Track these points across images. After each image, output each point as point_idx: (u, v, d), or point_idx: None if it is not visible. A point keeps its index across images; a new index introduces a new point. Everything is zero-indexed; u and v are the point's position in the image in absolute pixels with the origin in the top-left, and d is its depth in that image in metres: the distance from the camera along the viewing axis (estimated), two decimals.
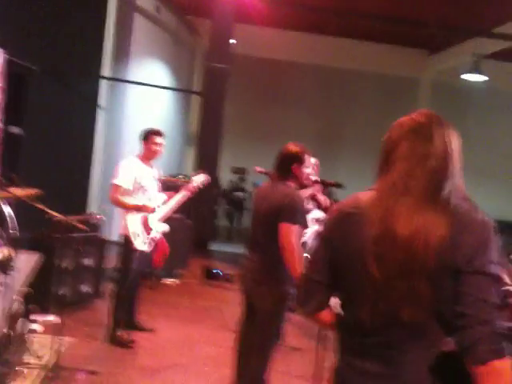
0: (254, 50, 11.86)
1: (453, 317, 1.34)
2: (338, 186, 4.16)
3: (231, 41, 9.52)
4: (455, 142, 1.52)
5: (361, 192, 1.58)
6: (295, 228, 3.15)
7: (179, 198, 4.82)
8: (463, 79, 10.56)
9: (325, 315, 1.63)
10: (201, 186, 4.93)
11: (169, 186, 5.09)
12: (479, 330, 1.30)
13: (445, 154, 1.47)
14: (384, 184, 1.50)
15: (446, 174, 1.45)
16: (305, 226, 3.31)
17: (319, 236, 1.67)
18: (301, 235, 3.25)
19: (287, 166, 3.29)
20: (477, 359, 1.30)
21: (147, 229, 4.63)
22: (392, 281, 1.42)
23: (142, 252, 4.61)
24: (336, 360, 1.60)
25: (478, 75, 10.12)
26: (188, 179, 4.90)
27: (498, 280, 1.36)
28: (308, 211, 4.14)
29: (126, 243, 4.52)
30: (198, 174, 5.02)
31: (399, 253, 1.40)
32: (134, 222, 4.55)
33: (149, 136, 4.65)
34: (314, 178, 3.80)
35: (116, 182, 4.51)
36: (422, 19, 9.82)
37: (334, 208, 1.65)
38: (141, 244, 4.57)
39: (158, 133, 4.69)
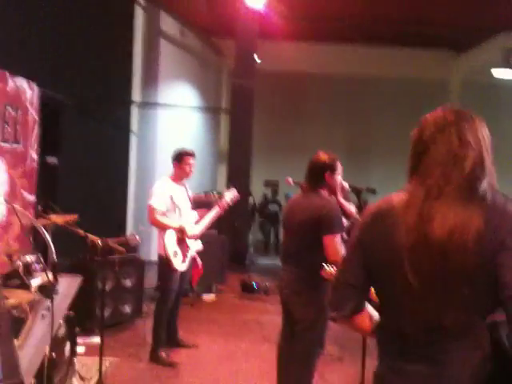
0: (278, 65, 11.96)
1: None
2: (371, 191, 4.15)
3: (255, 57, 9.65)
4: (487, 137, 1.50)
5: (394, 194, 1.57)
6: (338, 237, 3.17)
7: (212, 214, 4.88)
8: (494, 76, 10.37)
9: (361, 319, 1.60)
10: (231, 203, 4.98)
11: (200, 204, 5.17)
12: None
13: (480, 153, 1.46)
14: (418, 188, 1.48)
15: (482, 173, 1.44)
16: (343, 231, 3.31)
17: (353, 238, 1.64)
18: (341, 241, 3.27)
19: (320, 174, 3.31)
20: None
21: (185, 247, 4.70)
22: (430, 287, 1.41)
23: (182, 271, 4.68)
24: (377, 364, 1.59)
25: (508, 70, 9.92)
26: (220, 195, 4.96)
27: None
28: None
29: (165, 263, 4.58)
30: (229, 190, 5.08)
31: (435, 258, 1.39)
32: (172, 242, 4.62)
33: (181, 157, 4.72)
34: (345, 184, 3.81)
35: (151, 203, 4.59)
36: (447, 20, 9.73)
37: (367, 210, 1.63)
38: (179, 263, 4.64)
39: (190, 153, 4.77)
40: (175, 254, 4.60)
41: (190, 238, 4.77)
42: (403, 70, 12.34)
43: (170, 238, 4.61)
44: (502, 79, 10.38)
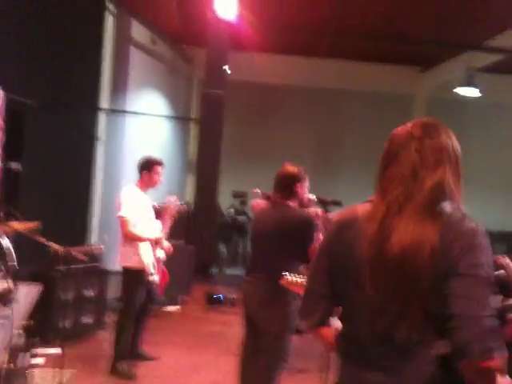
0: (249, 76, 12.00)
1: (444, 320, 1.33)
2: (337, 203, 4.18)
3: (225, 67, 9.67)
4: (454, 150, 1.50)
5: (359, 204, 1.58)
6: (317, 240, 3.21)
7: (168, 224, 4.81)
8: (457, 94, 10.63)
9: (326, 331, 1.62)
10: (176, 210, 4.92)
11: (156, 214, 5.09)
12: (471, 329, 1.29)
13: (441, 171, 1.45)
14: (380, 202, 1.49)
15: (441, 192, 1.44)
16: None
17: (319, 247, 1.67)
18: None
19: (290, 186, 3.33)
20: (470, 358, 1.28)
21: (156, 259, 4.64)
22: (385, 302, 1.42)
23: (150, 283, 4.61)
24: (338, 373, 1.59)
25: (471, 89, 10.19)
26: (165, 205, 4.86)
27: (487, 282, 1.34)
28: None
29: (134, 276, 4.49)
30: (171, 197, 4.97)
31: (391, 274, 1.40)
32: (149, 254, 4.54)
33: (151, 165, 4.64)
34: (312, 196, 3.84)
35: (123, 214, 4.46)
36: (413, 36, 9.96)
37: (333, 219, 1.65)
38: (153, 274, 4.58)
39: (159, 162, 4.70)
40: (153, 266, 4.54)
41: (166, 251, 4.72)
42: (371, 84, 12.55)
43: (147, 249, 4.53)
44: (465, 96, 10.66)
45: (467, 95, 10.54)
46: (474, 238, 1.38)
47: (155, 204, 4.91)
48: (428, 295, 1.36)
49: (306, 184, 3.44)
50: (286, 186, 3.34)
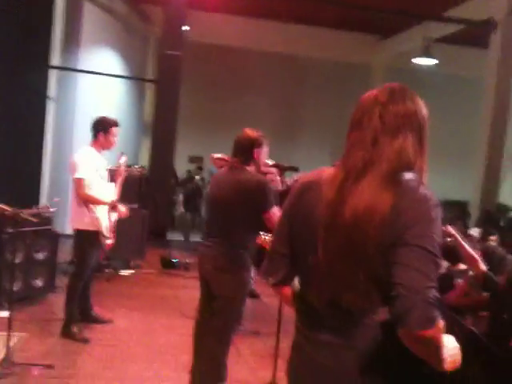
0: (208, 37, 11.75)
1: (388, 288, 1.33)
2: (294, 169, 4.19)
3: (184, 27, 9.41)
4: (420, 119, 1.47)
5: (327, 167, 1.57)
6: (276, 209, 3.17)
7: (119, 186, 4.74)
8: (414, 63, 10.74)
9: (288, 290, 1.64)
10: (126, 169, 4.85)
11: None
12: (411, 298, 1.29)
13: (403, 138, 1.43)
14: (342, 165, 1.48)
15: (401, 159, 1.42)
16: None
17: (283, 209, 1.67)
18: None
19: (249, 150, 3.29)
20: (408, 327, 1.29)
21: (110, 222, 4.56)
22: (334, 267, 1.42)
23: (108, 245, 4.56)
24: (294, 334, 1.62)
25: (428, 59, 10.30)
26: (118, 166, 4.77)
27: (433, 254, 1.33)
28: None
29: (88, 239, 4.40)
30: (121, 156, 4.87)
31: (341, 239, 1.40)
32: (105, 217, 4.46)
33: (107, 127, 4.50)
34: (271, 162, 3.81)
35: (79, 176, 4.33)
36: (373, 4, 9.92)
37: (299, 181, 1.64)
38: (107, 238, 4.50)
39: (116, 123, 4.56)
40: (107, 229, 4.46)
41: (120, 214, 4.64)
42: (330, 50, 12.51)
43: (103, 212, 4.44)
44: (422, 66, 10.78)
45: (424, 65, 10.66)
46: (425, 209, 1.37)
47: (109, 166, 4.79)
48: (375, 262, 1.37)
49: (265, 149, 3.41)
50: (244, 150, 3.30)
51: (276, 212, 3.17)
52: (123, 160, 4.79)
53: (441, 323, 1.30)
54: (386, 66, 12.94)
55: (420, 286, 1.30)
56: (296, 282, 1.65)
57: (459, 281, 4.59)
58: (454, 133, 12.49)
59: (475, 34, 9.75)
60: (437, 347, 1.32)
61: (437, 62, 10.39)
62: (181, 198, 11.21)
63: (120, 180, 4.71)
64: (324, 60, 12.83)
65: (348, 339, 1.44)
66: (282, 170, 4.08)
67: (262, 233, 3.22)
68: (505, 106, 9.00)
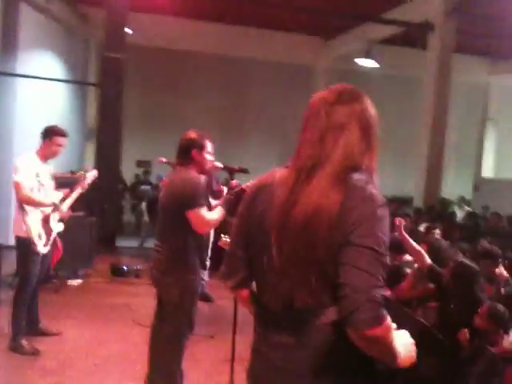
0: (152, 40, 11.60)
1: (335, 288, 1.35)
2: (244, 171, 4.18)
3: (126, 30, 9.24)
4: (369, 118, 1.49)
5: (279, 169, 1.57)
6: (202, 210, 3.15)
7: (75, 195, 4.62)
8: (357, 65, 10.98)
9: (246, 292, 1.64)
10: (90, 182, 4.75)
11: (65, 183, 4.85)
12: (357, 298, 1.30)
13: (351, 138, 1.45)
14: (293, 166, 1.49)
15: (349, 159, 1.43)
16: (205, 204, 3.30)
17: (238, 211, 1.66)
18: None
19: (187, 151, 3.29)
20: (355, 327, 1.30)
21: (48, 230, 4.41)
22: (287, 267, 1.44)
23: (43, 254, 4.40)
24: (253, 337, 1.62)
25: (370, 60, 10.55)
26: (83, 174, 4.67)
27: (379, 254, 1.34)
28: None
29: (26, 245, 4.27)
30: (91, 170, 4.83)
31: (293, 241, 1.41)
32: (35, 224, 4.32)
33: (52, 136, 4.42)
34: (218, 164, 3.80)
35: (18, 179, 4.24)
36: (315, 6, 10.08)
37: (253, 183, 1.64)
38: (42, 246, 4.35)
39: (63, 134, 4.48)
40: (40, 236, 4.32)
41: (62, 215, 4.50)
42: (276, 53, 12.61)
43: (35, 219, 4.30)
44: (364, 67, 11.03)
45: (366, 66, 10.91)
46: (371, 208, 1.38)
47: (58, 173, 4.66)
48: (326, 263, 1.38)
49: (208, 150, 3.39)
50: (183, 152, 3.31)
51: (203, 213, 3.15)
52: (92, 174, 4.68)
53: (388, 321, 1.32)
54: (330, 67, 13.16)
55: (366, 286, 1.31)
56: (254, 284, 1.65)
57: (408, 271, 4.73)
58: (397, 131, 12.85)
59: (414, 35, 10.07)
60: (387, 345, 1.34)
61: (378, 63, 10.66)
62: (143, 206, 10.97)
63: (80, 190, 4.60)
64: (269, 61, 12.93)
65: (301, 340, 1.45)
66: (232, 172, 4.07)
67: (223, 235, 3.21)
68: (444, 104, 9.34)
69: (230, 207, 3.29)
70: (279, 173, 1.56)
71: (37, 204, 4.31)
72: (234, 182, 3.72)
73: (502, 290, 4.42)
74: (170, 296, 3.21)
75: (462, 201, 12.77)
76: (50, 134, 4.42)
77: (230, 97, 13.21)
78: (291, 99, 12.90)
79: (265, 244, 1.48)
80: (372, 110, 1.53)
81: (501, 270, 4.70)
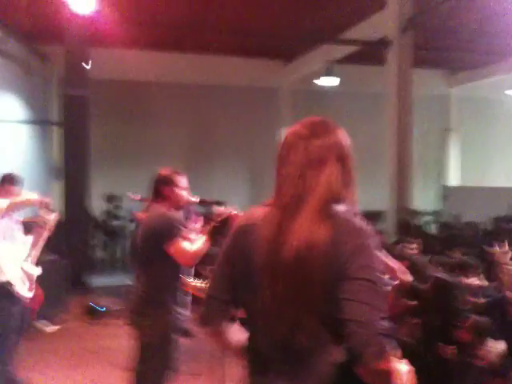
0: (114, 73, 11.55)
1: (338, 325, 1.33)
2: (219, 203, 4.14)
3: (87, 66, 9.17)
4: (345, 148, 1.49)
5: (257, 207, 1.55)
6: (178, 242, 3.10)
7: (41, 242, 4.46)
8: (318, 85, 11.15)
9: (227, 336, 1.59)
10: (54, 224, 4.61)
11: (31, 227, 4.70)
12: (364, 333, 1.29)
13: (330, 171, 1.44)
14: (275, 204, 1.47)
15: (331, 193, 1.43)
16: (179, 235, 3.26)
17: (220, 251, 1.62)
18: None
19: (158, 189, 3.32)
20: (366, 362, 1.29)
21: (29, 274, 4.23)
22: (282, 308, 1.40)
23: (23, 303, 4.20)
24: (246, 381, 1.57)
25: (331, 79, 10.74)
26: (44, 219, 4.52)
27: (378, 284, 1.35)
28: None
29: (6, 291, 4.06)
30: (51, 212, 4.66)
31: (286, 280, 1.39)
32: (15, 267, 4.13)
33: (4, 184, 4.29)
34: (194, 198, 3.74)
35: None
36: (274, 30, 10.22)
37: (235, 223, 1.61)
38: (26, 291, 4.14)
39: (11, 181, 4.33)
40: (22, 280, 4.12)
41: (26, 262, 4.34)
42: (238, 78, 12.72)
43: (12, 263, 4.12)
44: (325, 87, 11.21)
45: (327, 85, 11.08)
46: (362, 240, 1.38)
47: (24, 218, 4.52)
48: (323, 301, 1.36)
49: (181, 186, 3.37)
50: (155, 189, 3.35)
51: (184, 245, 3.10)
52: (52, 217, 4.55)
53: (392, 352, 1.32)
54: (293, 88, 13.31)
55: (370, 320, 1.30)
56: (238, 328, 1.60)
57: (387, 289, 4.72)
58: (363, 147, 13.01)
59: (373, 53, 10.28)
60: (389, 375, 1.33)
61: (339, 81, 10.84)
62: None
63: (43, 237, 4.44)
64: (232, 87, 12.99)
65: (299, 381, 1.41)
66: (207, 205, 4.04)
67: (188, 278, 3.15)
68: (407, 117, 9.51)
69: (216, 235, 3.25)
70: (261, 211, 1.53)
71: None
72: (222, 208, 3.69)
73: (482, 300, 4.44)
74: (149, 338, 3.13)
75: (434, 212, 12.97)
76: (2, 181, 4.32)
77: (198, 124, 13.18)
78: (258, 122, 12.99)
79: (254, 286, 1.45)
80: (346, 139, 1.52)
81: (472, 280, 4.70)
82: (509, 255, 4.03)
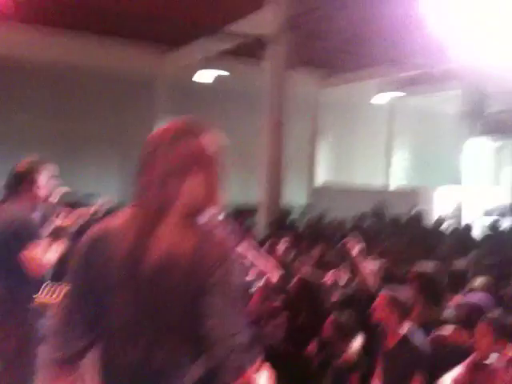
0: None
1: (198, 343, 1.28)
2: (90, 195, 3.87)
3: None
4: (211, 152, 1.41)
5: (112, 217, 1.43)
6: (35, 246, 2.83)
7: None
8: (198, 76, 11.02)
9: (83, 365, 1.45)
10: None
11: None
12: (220, 349, 1.26)
13: (195, 176, 1.37)
14: (134, 213, 1.37)
15: (197, 196, 1.37)
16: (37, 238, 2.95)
17: (70, 271, 1.46)
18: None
19: (16, 185, 3.00)
20: (223, 379, 1.26)
21: None
22: (141, 324, 1.31)
23: None
24: None
25: (209, 72, 10.66)
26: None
27: (237, 297, 1.32)
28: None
29: None
30: None
31: (145, 296, 1.31)
32: None
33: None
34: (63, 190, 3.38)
35: None
36: (157, 16, 9.88)
37: (85, 236, 1.45)
38: None
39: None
40: None
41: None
42: (112, 60, 12.09)
43: None
44: (205, 79, 11.11)
45: (206, 79, 10.99)
46: (223, 252, 1.34)
47: None
48: (183, 316, 1.30)
49: (43, 179, 3.04)
50: (13, 184, 3.01)
51: (34, 252, 2.82)
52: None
53: (253, 366, 1.29)
54: (170, 78, 13.04)
55: (229, 335, 1.26)
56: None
57: (254, 289, 4.73)
58: (241, 144, 13.10)
59: (253, 49, 10.36)
60: None
61: (217, 77, 10.79)
62: None
63: None
64: (107, 71, 12.32)
65: None
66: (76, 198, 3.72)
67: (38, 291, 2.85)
68: (280, 117, 9.72)
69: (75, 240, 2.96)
70: (119, 220, 1.40)
71: None
72: (83, 208, 3.41)
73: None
74: (3, 351, 2.83)
75: (304, 209, 13.45)
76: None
77: (66, 109, 12.33)
78: (131, 109, 12.50)
79: (112, 301, 1.33)
80: (214, 144, 1.45)
81: (334, 277, 4.86)
82: (363, 252, 4.23)
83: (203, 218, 1.38)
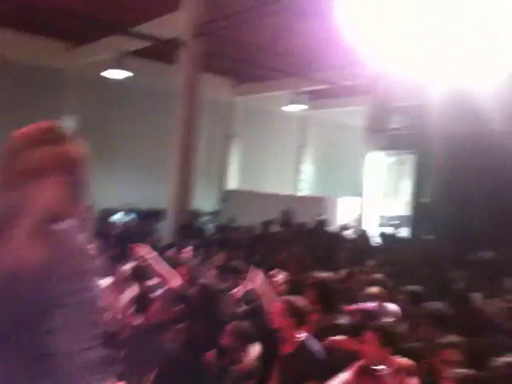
0: None
1: (43, 361, 1.19)
2: None
3: None
4: (71, 157, 1.33)
5: None
6: None
7: None
8: (107, 74, 10.68)
9: None
10: None
11: None
12: (65, 367, 1.18)
13: (53, 177, 1.29)
14: None
15: (53, 204, 1.28)
16: None
17: None
18: None
19: None
20: None
21: None
22: None
23: None
24: None
25: (120, 71, 10.38)
26: None
27: (88, 310, 1.24)
28: None
29: None
30: None
31: None
32: None
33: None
34: None
35: None
36: (66, 10, 9.44)
37: None
38: None
39: None
40: None
41: None
42: (19, 53, 11.40)
43: None
44: (114, 77, 10.80)
45: (117, 77, 10.68)
46: (77, 263, 1.26)
47: None
48: (29, 331, 1.20)
49: None
50: None
51: None
52: None
53: (106, 380, 1.24)
54: (79, 74, 12.53)
55: (75, 351, 1.18)
56: None
57: (156, 294, 4.63)
58: (152, 144, 12.84)
59: (166, 51, 10.20)
60: None
61: (129, 74, 10.52)
62: None
63: None
64: (14, 63, 11.60)
65: None
66: None
67: None
68: (193, 120, 9.63)
69: None
70: None
71: None
72: None
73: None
74: None
75: (213, 214, 13.43)
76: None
77: None
78: (39, 104, 11.81)
79: None
80: (79, 152, 1.37)
81: (235, 285, 4.84)
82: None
83: (61, 225, 1.29)
